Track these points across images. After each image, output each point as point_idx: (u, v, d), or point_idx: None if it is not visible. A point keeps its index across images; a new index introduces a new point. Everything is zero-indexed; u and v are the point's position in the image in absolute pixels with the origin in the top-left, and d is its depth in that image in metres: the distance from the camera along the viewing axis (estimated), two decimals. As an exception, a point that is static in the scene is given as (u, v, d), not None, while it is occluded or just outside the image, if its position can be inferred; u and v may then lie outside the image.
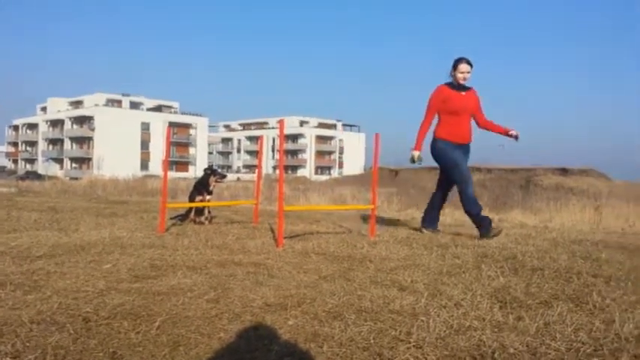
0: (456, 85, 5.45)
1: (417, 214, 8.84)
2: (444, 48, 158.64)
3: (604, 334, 2.22)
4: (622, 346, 2.07)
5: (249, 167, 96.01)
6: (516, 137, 5.53)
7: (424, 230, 5.70)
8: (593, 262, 3.87)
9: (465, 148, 5.55)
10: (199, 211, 6.34)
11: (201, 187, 6.40)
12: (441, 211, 5.97)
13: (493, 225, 5.37)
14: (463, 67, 5.35)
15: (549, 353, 2.03)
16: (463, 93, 5.45)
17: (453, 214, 8.68)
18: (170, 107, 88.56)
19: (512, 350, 2.05)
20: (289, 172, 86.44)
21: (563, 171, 40.17)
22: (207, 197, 6.38)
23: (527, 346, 2.10)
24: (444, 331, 2.26)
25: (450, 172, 5.52)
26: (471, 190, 5.40)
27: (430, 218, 5.81)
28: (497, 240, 5.02)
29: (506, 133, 5.54)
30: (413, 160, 5.56)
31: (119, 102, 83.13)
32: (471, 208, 5.36)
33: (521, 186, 30.86)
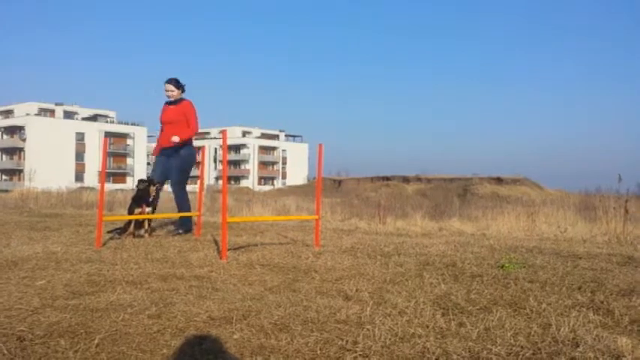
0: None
1: (360, 224, 8.93)
2: (383, 59, 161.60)
3: (542, 337, 2.31)
4: (559, 349, 2.16)
5: (190, 178, 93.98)
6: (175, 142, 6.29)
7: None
8: (529, 268, 4.02)
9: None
10: (138, 224, 6.18)
11: (140, 199, 6.24)
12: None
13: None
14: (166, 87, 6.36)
15: (491, 358, 2.08)
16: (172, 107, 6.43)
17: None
18: (106, 116, 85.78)
19: (455, 356, 2.10)
20: (232, 182, 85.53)
21: (498, 180, 41.74)
22: (147, 209, 6.23)
23: (469, 351, 2.15)
24: (390, 339, 2.28)
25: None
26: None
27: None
28: (438, 248, 5.14)
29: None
30: None
31: (52, 111, 79.94)
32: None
33: (459, 194, 31.79)
